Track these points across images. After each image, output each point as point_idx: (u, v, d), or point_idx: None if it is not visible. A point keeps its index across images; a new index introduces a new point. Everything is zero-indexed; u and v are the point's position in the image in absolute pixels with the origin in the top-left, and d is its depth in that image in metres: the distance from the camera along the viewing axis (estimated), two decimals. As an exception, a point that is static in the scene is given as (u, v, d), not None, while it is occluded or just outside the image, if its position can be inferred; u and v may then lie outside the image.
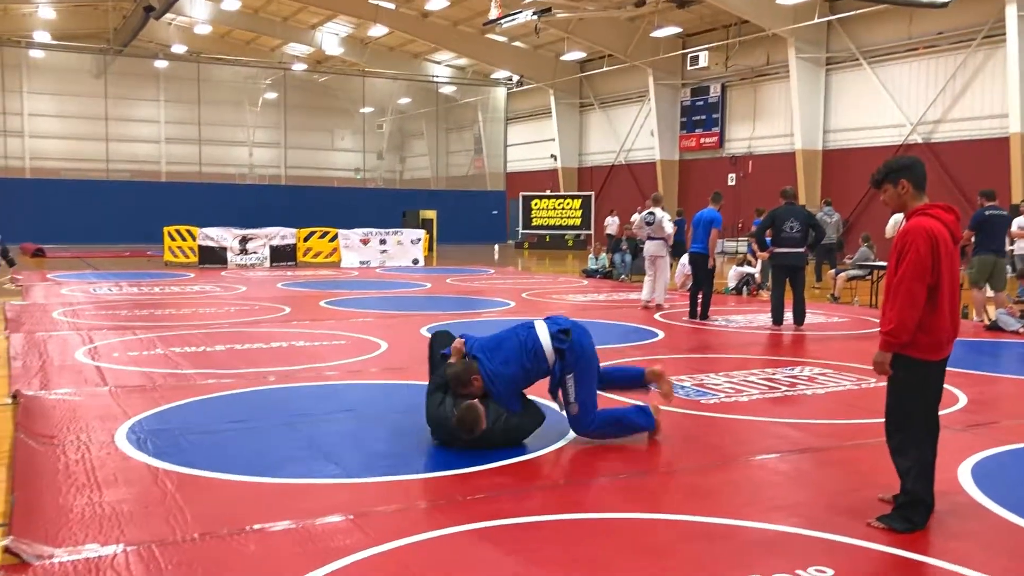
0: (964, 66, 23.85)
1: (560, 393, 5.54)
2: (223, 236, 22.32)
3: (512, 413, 5.44)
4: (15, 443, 5.50)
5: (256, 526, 4.14)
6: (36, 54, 35.54)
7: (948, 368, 4.37)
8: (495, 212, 38.96)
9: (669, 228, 13.47)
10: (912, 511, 4.20)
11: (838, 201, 23.83)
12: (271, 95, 40.56)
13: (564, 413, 5.62)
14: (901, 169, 4.36)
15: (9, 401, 6.83)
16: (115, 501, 4.47)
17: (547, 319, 5.71)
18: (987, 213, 11.71)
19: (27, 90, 35.46)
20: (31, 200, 29.53)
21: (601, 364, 5.78)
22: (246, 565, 3.71)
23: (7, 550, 3.79)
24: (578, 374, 5.45)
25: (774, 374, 8.22)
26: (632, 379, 5.99)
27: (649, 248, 13.72)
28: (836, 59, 27.12)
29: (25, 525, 4.08)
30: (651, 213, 13.55)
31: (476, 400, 5.35)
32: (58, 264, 21.98)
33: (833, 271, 16.61)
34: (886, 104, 25.70)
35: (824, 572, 3.65)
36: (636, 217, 17.39)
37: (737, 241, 28.02)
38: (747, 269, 16.66)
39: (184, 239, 22.33)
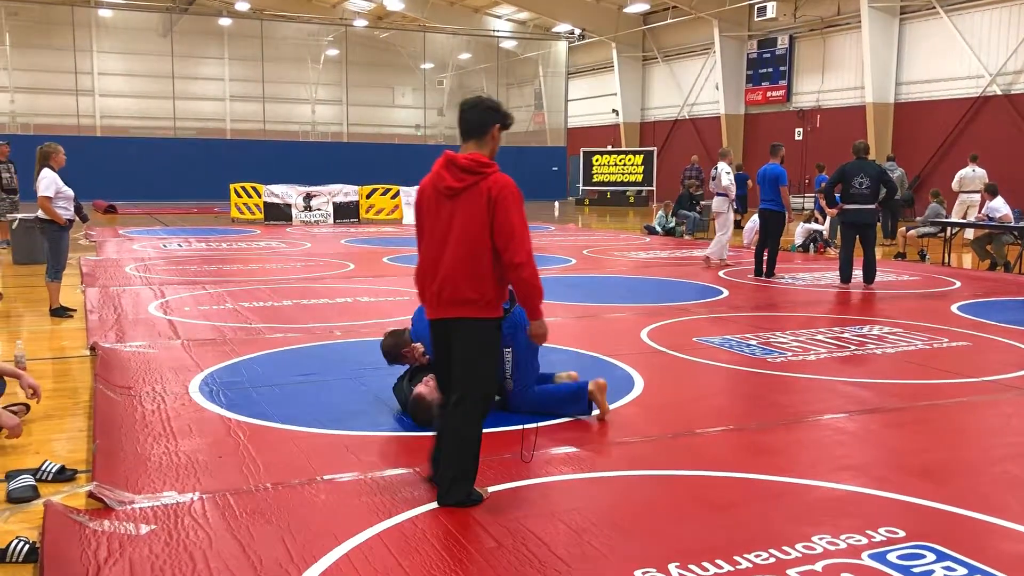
0: (1049, 13, 22.79)
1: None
2: (288, 193, 22.60)
3: None
4: (95, 393, 5.69)
5: (326, 477, 4.23)
6: (105, 13, 36.09)
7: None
8: (555, 168, 38.69)
9: (726, 181, 13.21)
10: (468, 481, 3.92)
11: (910, 156, 23.13)
12: (333, 52, 40.65)
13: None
14: None
15: (88, 353, 7.07)
16: (190, 450, 4.61)
17: None
18: None
19: (97, 49, 36.11)
20: (102, 158, 30.16)
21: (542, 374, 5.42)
22: (318, 514, 3.79)
23: (91, 495, 3.95)
24: (516, 349, 5.10)
25: (842, 333, 8.06)
26: (571, 396, 5.27)
27: (711, 204, 13.64)
28: (911, 8, 26.10)
29: (107, 472, 4.24)
30: (715, 168, 13.39)
31: (420, 391, 5.07)
32: (129, 220, 22.56)
33: (903, 228, 16.18)
34: (963, 54, 24.69)
35: (896, 533, 3.59)
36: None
37: (804, 197, 27.41)
38: (814, 226, 16.33)
39: (250, 196, 22.68)
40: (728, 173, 13.32)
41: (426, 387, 5.05)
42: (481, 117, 3.93)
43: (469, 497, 3.89)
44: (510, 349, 5.10)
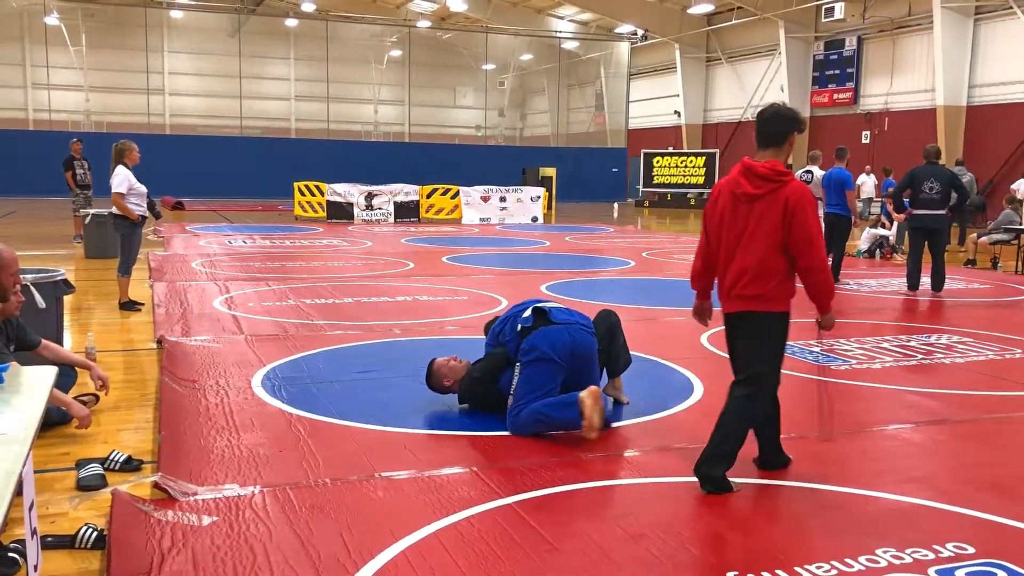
0: None
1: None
2: (350, 192, 22.89)
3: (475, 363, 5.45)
4: (161, 386, 5.82)
5: (384, 474, 4.26)
6: (175, 14, 37.03)
7: None
8: (615, 169, 38.49)
9: None
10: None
11: (982, 161, 22.47)
12: (396, 53, 41.08)
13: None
14: None
15: (155, 346, 7.24)
16: (252, 444, 4.68)
17: (567, 311, 5.27)
18: None
19: (167, 49, 37.04)
20: (170, 155, 30.89)
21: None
22: (375, 511, 3.82)
23: (156, 485, 4.04)
24: (523, 369, 4.93)
25: (909, 341, 7.87)
26: (560, 402, 4.89)
27: None
28: (986, 7, 25.35)
29: (171, 463, 4.33)
30: (808, 171, 13.14)
31: (436, 359, 5.60)
32: (195, 217, 23.08)
33: (974, 235, 15.73)
34: (1041, 56, 23.93)
35: (965, 549, 3.48)
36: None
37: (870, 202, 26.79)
38: (881, 231, 15.97)
39: (313, 194, 23.03)
40: None
41: (444, 358, 5.50)
42: (779, 127, 4.16)
43: (721, 484, 4.09)
44: (519, 367, 4.97)
